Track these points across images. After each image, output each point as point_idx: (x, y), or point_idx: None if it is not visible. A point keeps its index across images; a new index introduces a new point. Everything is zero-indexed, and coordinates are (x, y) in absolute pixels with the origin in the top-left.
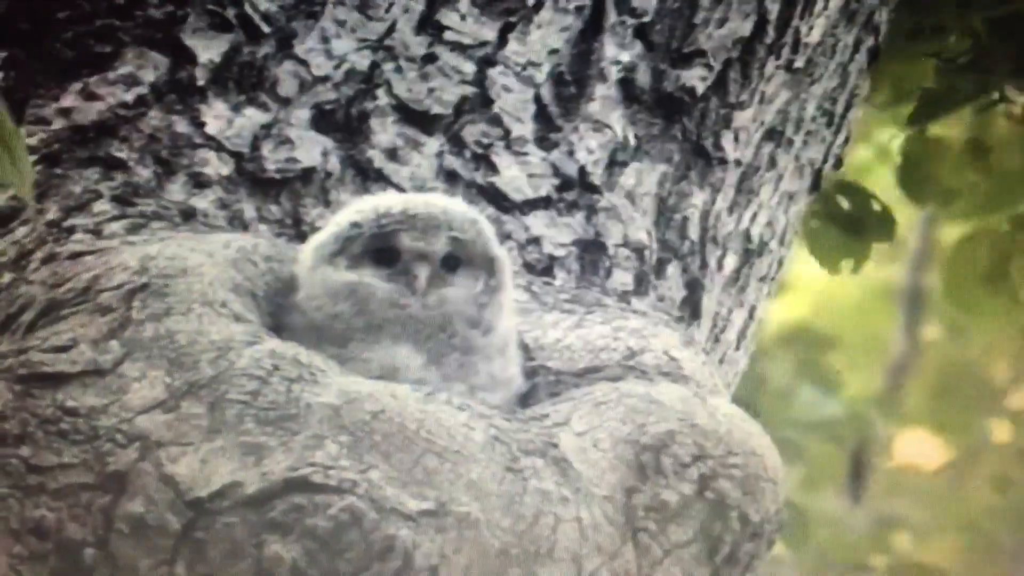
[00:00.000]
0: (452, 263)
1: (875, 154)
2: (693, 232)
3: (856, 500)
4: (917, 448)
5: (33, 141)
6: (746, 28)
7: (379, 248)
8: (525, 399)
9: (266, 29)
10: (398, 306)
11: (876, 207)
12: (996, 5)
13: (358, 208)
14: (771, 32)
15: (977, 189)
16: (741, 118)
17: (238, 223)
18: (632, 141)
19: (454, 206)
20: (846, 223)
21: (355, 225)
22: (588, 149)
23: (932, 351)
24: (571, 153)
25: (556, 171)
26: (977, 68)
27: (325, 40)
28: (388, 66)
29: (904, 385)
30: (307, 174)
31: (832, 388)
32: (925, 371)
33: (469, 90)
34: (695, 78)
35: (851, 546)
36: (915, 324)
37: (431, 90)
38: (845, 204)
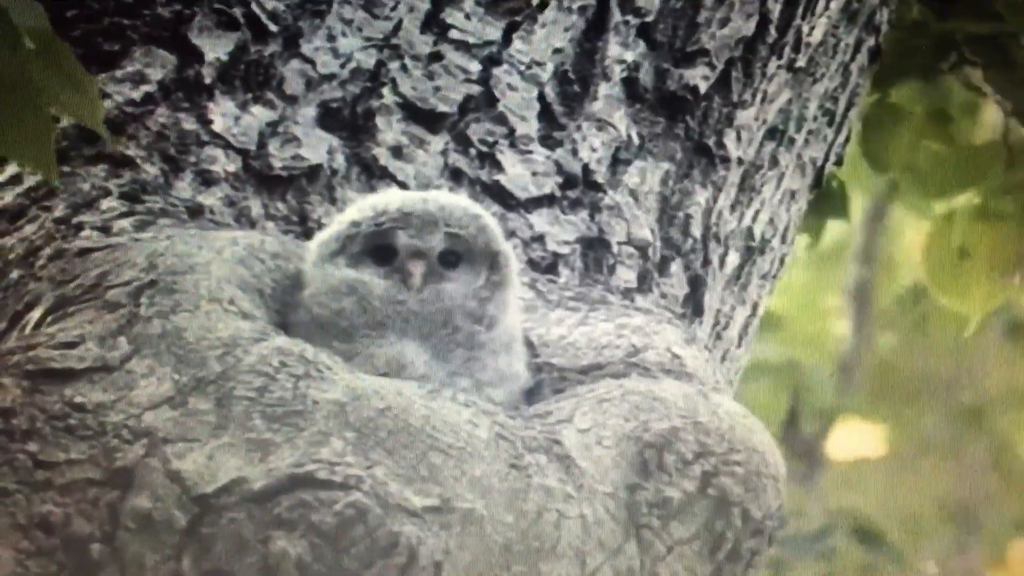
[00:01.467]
0: (451, 259)
1: None
2: (696, 230)
3: (790, 446)
4: (862, 441)
5: None
6: (748, 28)
7: (377, 246)
8: (530, 395)
9: (273, 28)
10: (396, 302)
11: (833, 184)
12: None
13: (359, 206)
14: (773, 32)
15: (939, 160)
16: (743, 117)
17: (245, 220)
18: (635, 139)
19: (454, 202)
20: None
21: (354, 224)
22: (592, 147)
23: (880, 347)
24: (575, 151)
25: (560, 169)
26: (932, 32)
27: (331, 39)
28: (394, 65)
29: (852, 380)
30: (313, 171)
31: (770, 330)
32: (871, 366)
33: (474, 89)
34: (698, 77)
35: (804, 535)
36: (864, 321)
37: (436, 89)
38: None
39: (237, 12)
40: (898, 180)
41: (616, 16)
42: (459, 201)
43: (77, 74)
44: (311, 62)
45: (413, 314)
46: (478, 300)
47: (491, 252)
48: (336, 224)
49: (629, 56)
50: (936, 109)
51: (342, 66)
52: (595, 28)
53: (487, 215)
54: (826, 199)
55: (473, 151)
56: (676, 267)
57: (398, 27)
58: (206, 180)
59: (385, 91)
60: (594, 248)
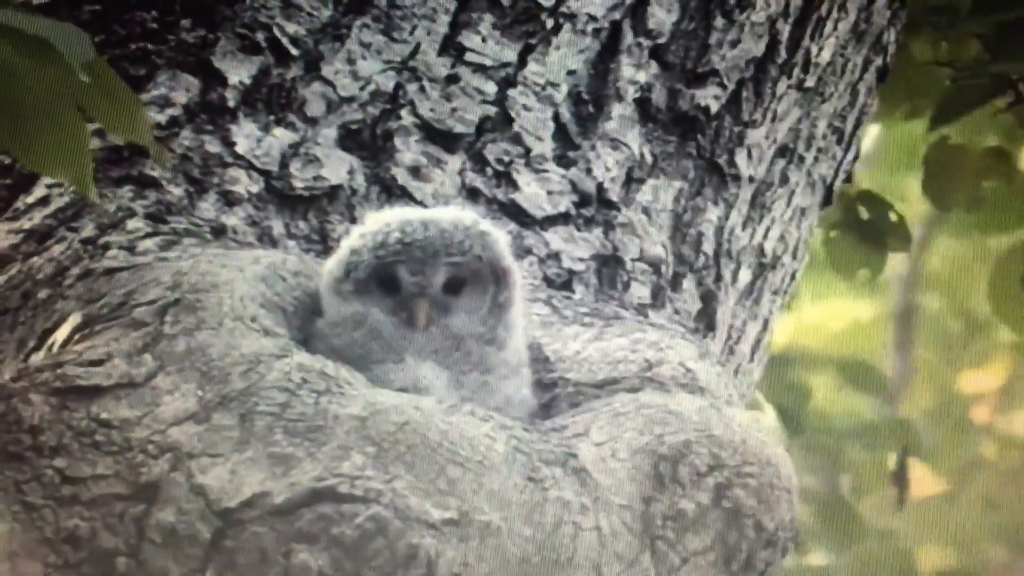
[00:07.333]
0: (455, 284)
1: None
2: (708, 246)
3: (900, 506)
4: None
5: None
6: (759, 49)
7: (382, 276)
8: (546, 410)
9: (294, 52)
10: (405, 336)
11: (893, 217)
12: (1007, 8)
13: (362, 232)
14: (783, 52)
15: (1002, 195)
16: (754, 136)
17: (267, 239)
18: (648, 158)
19: (455, 226)
20: (864, 232)
21: (355, 253)
22: (606, 166)
23: (923, 373)
24: (589, 170)
25: (575, 188)
26: (990, 71)
27: (351, 62)
28: (412, 87)
29: (898, 407)
30: (334, 191)
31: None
32: (917, 394)
33: (490, 110)
34: (709, 97)
35: (897, 555)
36: (908, 347)
37: (454, 110)
38: (864, 214)
39: (259, 37)
40: (960, 217)
41: (629, 38)
42: (462, 220)
43: (122, 93)
44: (332, 85)
45: (424, 344)
46: (486, 325)
47: (497, 270)
48: (342, 250)
49: (642, 77)
50: (995, 147)
51: (362, 88)
52: (609, 50)
53: (492, 230)
54: (888, 230)
55: (490, 170)
56: (689, 283)
57: (416, 50)
58: (229, 201)
59: (404, 112)
60: (608, 265)
